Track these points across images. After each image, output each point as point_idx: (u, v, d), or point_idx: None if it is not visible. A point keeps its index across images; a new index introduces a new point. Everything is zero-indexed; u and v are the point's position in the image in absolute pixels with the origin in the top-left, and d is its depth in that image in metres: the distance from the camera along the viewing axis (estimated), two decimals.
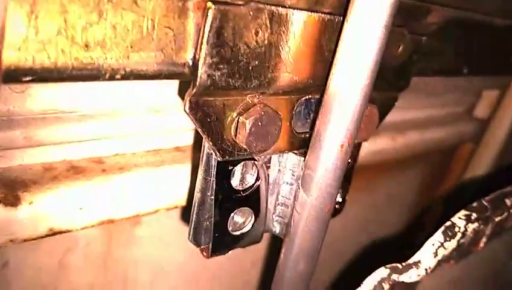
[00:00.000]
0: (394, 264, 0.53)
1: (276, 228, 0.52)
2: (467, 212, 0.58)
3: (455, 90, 0.91)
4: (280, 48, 0.40)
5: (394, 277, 0.52)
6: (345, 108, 0.41)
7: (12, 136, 0.45)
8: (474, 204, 0.60)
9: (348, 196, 0.60)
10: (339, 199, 0.57)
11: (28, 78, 0.29)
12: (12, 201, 0.43)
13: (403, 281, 0.52)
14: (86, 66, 0.31)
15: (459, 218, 0.57)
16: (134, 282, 0.65)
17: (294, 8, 0.40)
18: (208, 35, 0.35)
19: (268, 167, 0.48)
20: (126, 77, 0.33)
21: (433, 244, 0.54)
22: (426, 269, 0.53)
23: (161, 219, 0.61)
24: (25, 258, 0.53)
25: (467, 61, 0.63)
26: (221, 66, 0.37)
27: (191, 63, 0.36)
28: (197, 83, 0.36)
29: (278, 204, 0.51)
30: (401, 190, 0.97)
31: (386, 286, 0.52)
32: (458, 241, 0.56)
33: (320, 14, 0.42)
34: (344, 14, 0.41)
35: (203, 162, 0.43)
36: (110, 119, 0.51)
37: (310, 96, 0.47)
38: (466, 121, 0.96)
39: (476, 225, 0.58)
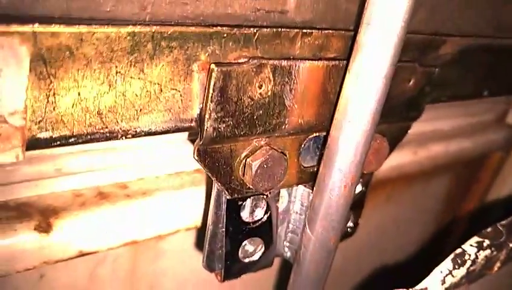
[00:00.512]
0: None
1: (287, 253, 0.55)
2: (479, 239, 0.58)
3: (484, 99, 0.89)
4: (284, 96, 0.42)
5: None
6: (347, 151, 0.43)
7: (44, 169, 0.50)
8: (489, 229, 0.61)
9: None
10: (350, 224, 0.59)
11: (48, 145, 0.33)
12: (45, 228, 0.48)
13: None
14: (99, 131, 0.35)
15: (471, 245, 0.58)
16: None
17: (298, 59, 0.42)
18: (212, 94, 0.37)
19: (277, 200, 0.50)
20: (137, 135, 0.37)
21: (441, 272, 0.55)
22: None
23: (184, 234, 0.65)
24: (60, 272, 0.59)
25: (487, 84, 0.62)
26: (226, 119, 0.39)
27: (197, 119, 0.39)
28: (203, 136, 0.39)
29: (289, 232, 0.54)
30: (426, 200, 0.97)
31: None
32: (468, 268, 0.56)
33: (324, 60, 0.43)
34: (347, 61, 0.42)
35: (214, 198, 0.46)
36: (134, 148, 0.55)
37: (317, 134, 0.49)
38: (496, 130, 0.94)
39: (488, 251, 0.58)
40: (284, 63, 0.41)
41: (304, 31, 0.41)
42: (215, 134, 0.40)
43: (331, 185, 0.45)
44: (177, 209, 0.57)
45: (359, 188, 0.57)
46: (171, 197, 0.57)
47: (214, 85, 0.37)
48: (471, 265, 0.57)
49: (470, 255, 0.57)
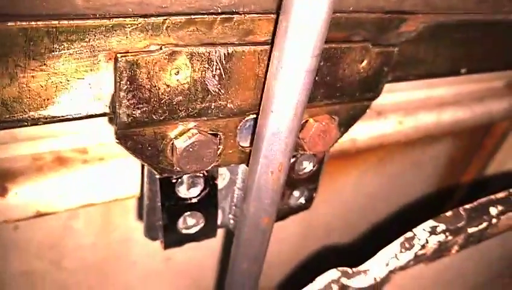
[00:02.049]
0: (345, 268, 0.57)
1: (232, 225, 0.57)
2: (434, 224, 0.58)
3: None
4: (207, 82, 0.42)
5: (343, 280, 0.56)
6: (273, 140, 0.44)
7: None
8: (449, 213, 0.60)
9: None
10: (302, 201, 0.60)
11: None
12: (1, 191, 0.53)
13: (349, 286, 0.56)
14: (6, 120, 0.37)
15: (423, 229, 0.58)
16: (136, 242, 0.75)
17: (218, 45, 0.41)
18: (120, 83, 0.38)
19: (216, 177, 0.52)
20: (48, 122, 0.39)
21: (386, 255, 0.56)
22: (375, 278, 0.56)
23: None
24: (33, 223, 0.64)
25: (465, 61, 0.59)
26: (140, 106, 0.41)
27: (110, 106, 0.40)
28: (117, 122, 0.41)
29: (233, 205, 0.56)
30: (425, 163, 0.96)
31: (335, 287, 0.56)
32: (416, 253, 0.57)
33: (251, 45, 0.43)
34: (271, 44, 0.41)
35: (147, 175, 0.49)
36: None
37: (256, 116, 0.49)
38: (504, 97, 0.89)
39: (442, 236, 0.58)
40: (202, 49, 0.41)
41: (223, 16, 0.40)
42: (129, 120, 0.41)
43: (259, 171, 0.46)
44: (136, 175, 0.60)
45: (310, 167, 0.57)
46: (129, 163, 0.59)
47: (121, 74, 0.38)
48: (420, 249, 0.57)
49: (419, 239, 0.57)
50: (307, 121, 0.52)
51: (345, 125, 0.55)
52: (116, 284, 0.80)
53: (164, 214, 0.51)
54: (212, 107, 0.44)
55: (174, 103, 0.42)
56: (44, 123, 0.39)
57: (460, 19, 0.54)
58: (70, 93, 0.38)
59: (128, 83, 0.39)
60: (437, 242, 0.58)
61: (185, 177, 0.50)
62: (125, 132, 0.42)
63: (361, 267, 0.56)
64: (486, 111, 0.84)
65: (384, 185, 0.94)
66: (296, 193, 0.60)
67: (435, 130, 0.80)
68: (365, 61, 0.50)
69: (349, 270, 0.56)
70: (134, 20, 0.37)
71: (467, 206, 0.61)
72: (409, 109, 0.79)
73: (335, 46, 0.47)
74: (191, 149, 0.45)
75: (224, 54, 0.42)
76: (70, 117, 0.40)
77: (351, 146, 0.74)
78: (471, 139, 0.97)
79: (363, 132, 0.75)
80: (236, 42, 0.42)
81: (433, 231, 0.58)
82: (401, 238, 0.57)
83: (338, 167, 0.84)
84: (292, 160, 0.56)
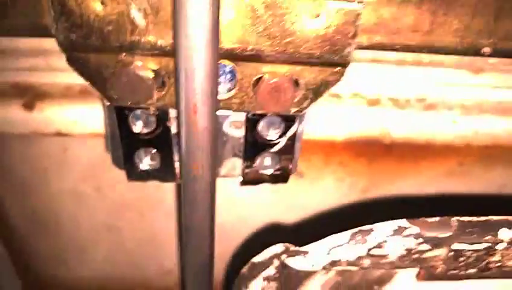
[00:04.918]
0: (288, 245, 0.54)
1: None
2: (404, 224, 0.50)
3: None
4: (132, 15, 0.47)
5: (283, 256, 0.54)
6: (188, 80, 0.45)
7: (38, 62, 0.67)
8: (435, 218, 0.51)
9: None
10: (271, 171, 0.59)
11: None
12: (30, 107, 0.67)
13: (288, 265, 0.53)
14: None
15: (385, 226, 0.50)
16: (170, 190, 0.83)
17: None
18: (53, 6, 0.46)
19: (167, 119, 0.55)
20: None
21: (331, 242, 0.51)
22: (313, 264, 0.52)
23: None
24: (79, 147, 0.78)
25: (490, 33, 0.48)
26: (74, 29, 0.48)
27: (51, 27, 0.49)
28: (58, 42, 0.48)
29: None
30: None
31: (277, 262, 0.54)
32: (369, 250, 0.50)
33: None
34: None
35: (106, 106, 0.55)
36: None
37: None
38: None
39: (410, 241, 0.50)
40: None
41: None
42: (67, 42, 0.48)
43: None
44: None
45: (276, 134, 0.56)
46: None
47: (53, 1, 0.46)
48: (374, 247, 0.50)
49: (376, 237, 0.50)
50: (261, 77, 0.51)
51: (314, 91, 0.52)
52: (153, 225, 0.90)
53: (122, 143, 0.57)
54: (143, 41, 0.48)
55: (105, 31, 0.48)
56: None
57: None
58: (18, 9, 0.48)
59: (60, 7, 0.46)
60: (404, 248, 0.50)
61: (139, 112, 0.55)
62: (72, 54, 0.50)
63: (302, 248, 0.53)
64: None
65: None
66: (266, 161, 0.59)
67: (503, 140, 0.67)
68: (321, 17, 0.47)
69: (292, 247, 0.53)
70: None
71: (467, 218, 0.51)
72: (471, 108, 0.67)
73: None
74: (125, 80, 0.50)
75: None
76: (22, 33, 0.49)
77: (382, 136, 0.68)
78: None
79: (400, 123, 0.67)
80: None
81: (397, 231, 0.50)
82: (356, 229, 0.51)
83: (407, 162, 0.76)
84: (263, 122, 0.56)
